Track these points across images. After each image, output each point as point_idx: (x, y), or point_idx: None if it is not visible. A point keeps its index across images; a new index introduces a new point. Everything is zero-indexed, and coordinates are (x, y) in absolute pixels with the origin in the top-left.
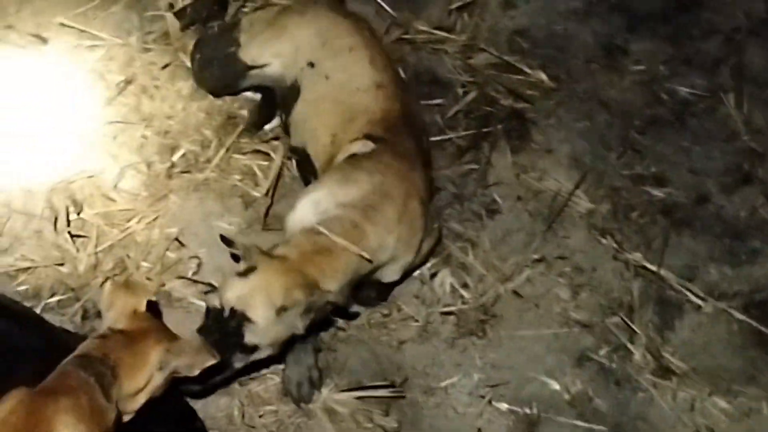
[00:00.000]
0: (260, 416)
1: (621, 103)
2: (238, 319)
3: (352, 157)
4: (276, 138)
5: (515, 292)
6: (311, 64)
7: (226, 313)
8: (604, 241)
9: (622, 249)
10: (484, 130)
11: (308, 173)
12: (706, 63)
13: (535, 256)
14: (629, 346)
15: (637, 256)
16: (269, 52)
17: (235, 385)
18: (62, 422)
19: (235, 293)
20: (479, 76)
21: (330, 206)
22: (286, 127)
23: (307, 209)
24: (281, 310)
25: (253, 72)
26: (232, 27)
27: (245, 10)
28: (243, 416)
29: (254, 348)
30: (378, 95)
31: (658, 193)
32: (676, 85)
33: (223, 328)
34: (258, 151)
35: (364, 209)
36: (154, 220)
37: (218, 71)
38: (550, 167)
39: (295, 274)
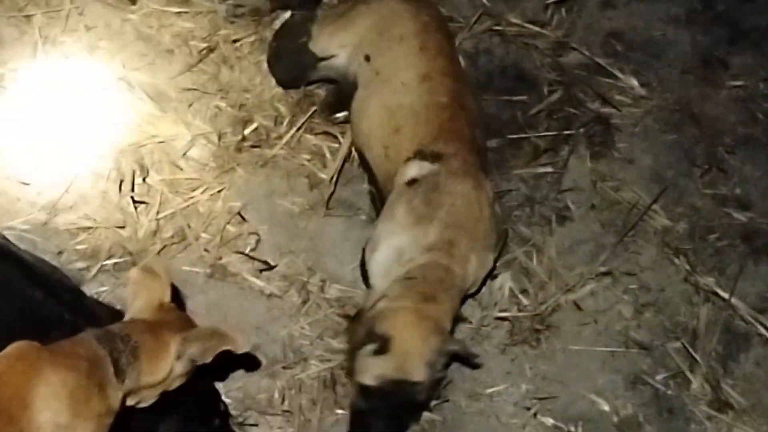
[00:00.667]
0: (300, 402)
1: (713, 119)
2: (404, 387)
3: (414, 184)
4: (347, 122)
5: (576, 304)
6: (367, 58)
7: (388, 387)
8: (676, 261)
9: (694, 271)
10: (566, 132)
11: (371, 181)
12: None
13: (602, 269)
14: (688, 374)
15: (709, 281)
16: (336, 42)
17: (279, 368)
18: (45, 376)
19: (388, 367)
20: (567, 76)
21: (414, 253)
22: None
23: (392, 259)
24: (432, 363)
25: (323, 64)
26: (310, 18)
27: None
28: (283, 400)
29: (425, 402)
30: (422, 88)
31: (740, 216)
32: None
33: (393, 400)
34: (329, 133)
35: (446, 248)
36: (219, 192)
37: (289, 61)
38: (630, 178)
39: (422, 324)
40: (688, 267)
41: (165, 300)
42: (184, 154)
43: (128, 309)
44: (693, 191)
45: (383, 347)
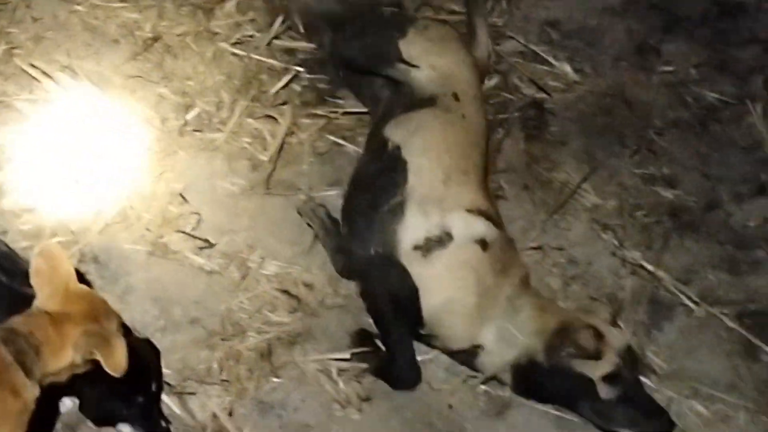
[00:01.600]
0: (238, 372)
1: (644, 103)
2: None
3: (486, 247)
4: (284, 103)
5: None
6: (456, 97)
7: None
8: (604, 236)
9: (621, 246)
10: (500, 116)
11: (391, 171)
12: (740, 71)
13: (532, 245)
14: None
15: (636, 255)
16: (429, 59)
17: (218, 340)
18: None
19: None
20: (504, 64)
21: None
22: (382, 116)
23: (502, 309)
24: None
25: (401, 66)
26: (407, 18)
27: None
28: (221, 369)
29: None
30: (483, 150)
31: (667, 194)
32: (704, 89)
33: (633, 373)
34: (270, 116)
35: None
36: (161, 174)
37: (371, 45)
38: (562, 159)
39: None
40: (615, 242)
41: (71, 285)
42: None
43: (37, 297)
44: (623, 171)
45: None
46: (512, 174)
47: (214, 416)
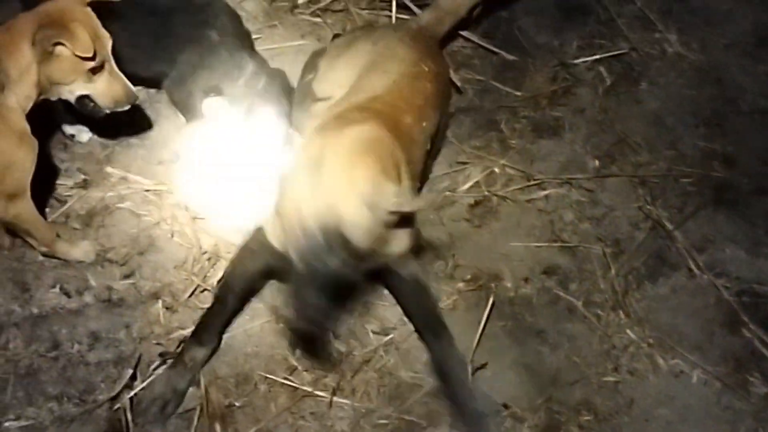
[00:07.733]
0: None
1: (738, 87)
2: None
3: None
4: None
5: (527, 201)
6: None
7: None
8: (640, 190)
9: (652, 203)
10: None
11: None
12: None
13: (566, 177)
14: (599, 277)
15: (662, 214)
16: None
17: None
18: None
19: None
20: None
21: None
22: None
23: None
24: None
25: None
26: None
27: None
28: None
29: None
30: None
31: (721, 171)
32: None
33: None
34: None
35: None
36: (256, 39)
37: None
38: (632, 115)
39: None
40: (649, 198)
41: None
42: (240, 2)
43: None
44: (686, 140)
45: None
46: (578, 116)
47: None
